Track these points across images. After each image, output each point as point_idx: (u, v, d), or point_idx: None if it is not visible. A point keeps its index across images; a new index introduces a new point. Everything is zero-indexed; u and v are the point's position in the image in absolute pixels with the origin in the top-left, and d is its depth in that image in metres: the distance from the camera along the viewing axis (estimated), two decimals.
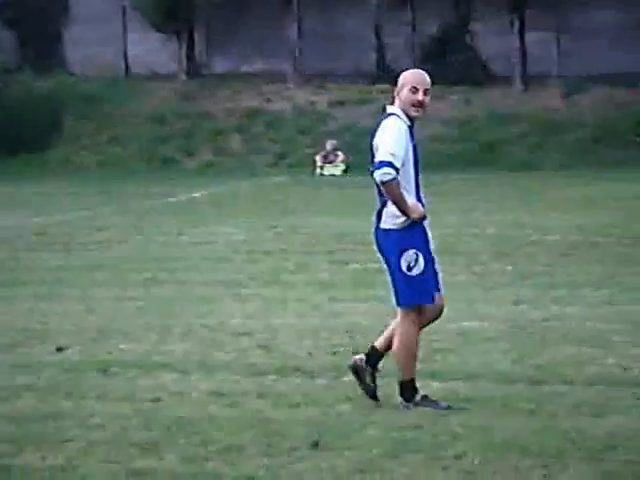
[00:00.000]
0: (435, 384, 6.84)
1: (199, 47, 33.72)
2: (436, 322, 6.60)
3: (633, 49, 31.09)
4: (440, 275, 6.50)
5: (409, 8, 31.78)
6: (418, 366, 7.28)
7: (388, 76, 32.63)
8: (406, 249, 6.27)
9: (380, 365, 6.54)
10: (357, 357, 6.58)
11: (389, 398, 6.49)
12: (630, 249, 12.92)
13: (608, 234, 14.21)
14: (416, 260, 6.26)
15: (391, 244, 6.32)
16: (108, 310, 9.70)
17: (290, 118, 30.89)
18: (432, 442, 5.64)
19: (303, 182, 26.07)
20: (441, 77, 32.11)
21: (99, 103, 31.29)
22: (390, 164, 6.17)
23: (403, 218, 6.26)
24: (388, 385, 6.66)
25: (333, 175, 28.34)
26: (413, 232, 6.30)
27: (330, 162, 28.97)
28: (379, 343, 6.56)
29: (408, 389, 6.41)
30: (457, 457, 5.40)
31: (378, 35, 32.86)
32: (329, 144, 29.11)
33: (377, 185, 6.33)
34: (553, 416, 6.06)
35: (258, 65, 33.11)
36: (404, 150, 6.29)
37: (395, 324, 6.47)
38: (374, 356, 6.53)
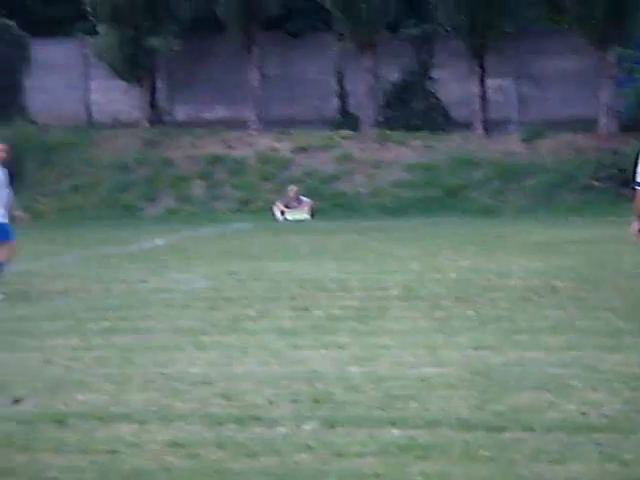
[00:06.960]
0: (395, 431, 6.80)
1: (161, 94, 33.73)
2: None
3: (590, 95, 31.44)
4: None
5: (370, 55, 31.97)
6: (378, 413, 7.30)
7: (350, 122, 32.94)
8: None
9: None
10: None
11: (348, 447, 6.46)
12: (589, 294, 12.98)
13: (568, 279, 14.28)
14: None
15: None
16: (66, 360, 9.59)
17: (252, 164, 30.93)
18: None
19: (266, 228, 26.06)
20: (403, 123, 32.47)
21: (61, 151, 31.19)
22: None
23: None
24: (348, 434, 6.64)
25: (298, 220, 28.33)
26: None
27: (292, 208, 28.97)
28: None
29: None
30: None
31: (340, 81, 33.09)
32: (291, 190, 29.15)
33: None
34: (512, 463, 6.04)
35: (220, 112, 33.18)
36: None
37: None
38: None
